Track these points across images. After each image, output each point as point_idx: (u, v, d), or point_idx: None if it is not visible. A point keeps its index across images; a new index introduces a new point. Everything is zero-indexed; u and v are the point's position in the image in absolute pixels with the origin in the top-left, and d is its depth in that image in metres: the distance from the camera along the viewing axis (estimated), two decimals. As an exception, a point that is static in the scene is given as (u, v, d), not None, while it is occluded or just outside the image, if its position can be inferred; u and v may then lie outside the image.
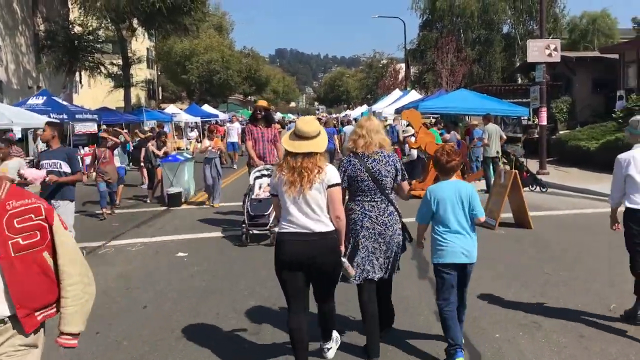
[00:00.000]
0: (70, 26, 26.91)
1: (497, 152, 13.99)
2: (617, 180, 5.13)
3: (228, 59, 49.24)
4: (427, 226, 4.61)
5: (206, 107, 43.39)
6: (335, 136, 19.62)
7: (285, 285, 4.13)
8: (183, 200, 13.01)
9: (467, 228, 4.36)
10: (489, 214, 9.83)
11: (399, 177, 4.60)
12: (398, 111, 22.76)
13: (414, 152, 15.23)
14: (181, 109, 41.19)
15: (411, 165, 15.89)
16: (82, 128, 21.99)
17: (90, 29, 27.84)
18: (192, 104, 43.74)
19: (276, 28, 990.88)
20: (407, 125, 15.59)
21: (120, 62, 36.02)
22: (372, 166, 4.46)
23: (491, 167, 13.93)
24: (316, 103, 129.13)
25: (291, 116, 52.77)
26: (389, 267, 4.60)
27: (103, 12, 28.87)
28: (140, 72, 50.19)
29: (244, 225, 8.84)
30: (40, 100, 21.44)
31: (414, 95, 26.72)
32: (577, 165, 17.17)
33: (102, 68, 29.39)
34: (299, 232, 3.97)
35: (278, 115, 53.48)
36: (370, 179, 4.44)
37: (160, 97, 59.09)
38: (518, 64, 36.84)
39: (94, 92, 42.33)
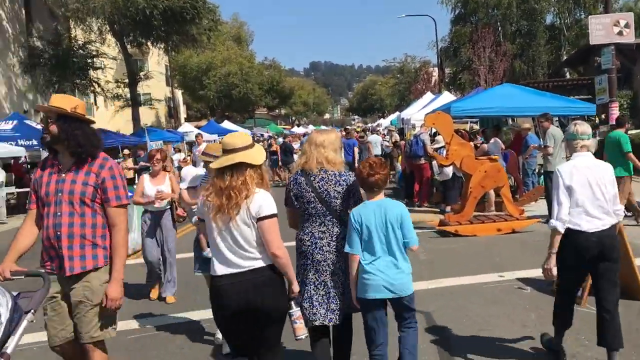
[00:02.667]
0: (59, 41, 23.98)
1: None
2: (561, 195, 4.19)
3: (247, 71, 46.12)
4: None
5: (226, 124, 40.31)
6: (355, 148, 17.85)
7: (226, 335, 3.59)
8: (129, 253, 9.60)
9: (396, 256, 3.83)
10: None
11: (352, 200, 3.97)
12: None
13: (448, 170, 11.50)
14: (198, 127, 38.24)
15: (445, 186, 12.13)
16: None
17: (80, 43, 24.89)
18: (210, 121, 40.79)
19: (310, 41, 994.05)
20: (436, 135, 11.93)
21: (125, 80, 33.48)
22: (319, 185, 3.93)
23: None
24: (350, 113, 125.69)
25: (310, 128, 48.16)
26: (342, 306, 3.94)
27: (91, 23, 26.10)
28: (159, 91, 47.72)
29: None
30: (9, 125, 18.60)
31: (447, 97, 22.83)
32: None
33: (96, 86, 26.31)
34: (228, 274, 3.31)
35: (310, 128, 49.92)
36: (317, 200, 3.93)
37: (186, 116, 56.57)
38: (565, 57, 32.60)
39: (112, 114, 39.87)
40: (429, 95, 29.01)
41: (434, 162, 11.93)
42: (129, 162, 16.97)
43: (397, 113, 46.68)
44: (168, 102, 50.32)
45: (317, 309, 3.91)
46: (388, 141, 27.26)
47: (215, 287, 3.37)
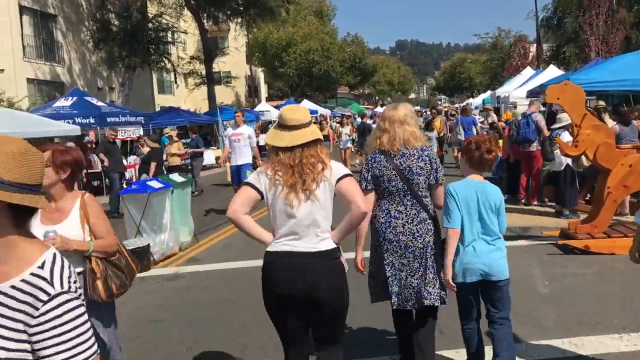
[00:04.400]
0: (129, 14, 22.68)
1: None
2: None
3: (328, 47, 43.85)
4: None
5: (305, 103, 38.34)
6: (475, 127, 17.18)
7: (278, 328, 3.24)
8: (158, 258, 7.75)
9: (494, 238, 3.64)
10: None
11: (434, 176, 3.75)
12: (534, 93, 16.15)
13: (563, 158, 8.80)
14: (276, 107, 36.62)
15: (553, 180, 9.49)
16: (120, 134, 17.73)
17: (150, 15, 23.53)
18: (288, 100, 39.10)
19: (396, 21, 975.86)
20: (560, 111, 9.30)
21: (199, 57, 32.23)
22: (400, 162, 3.74)
23: None
24: (437, 93, 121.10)
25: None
26: (425, 292, 3.69)
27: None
28: (239, 69, 46.50)
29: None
30: (68, 102, 17.39)
31: (553, 71, 19.62)
32: None
33: (167, 62, 24.95)
34: (294, 252, 3.04)
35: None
36: (398, 178, 3.72)
37: (267, 95, 55.31)
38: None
39: (193, 94, 39.00)
40: (528, 71, 25.86)
41: (556, 150, 9.12)
42: (174, 147, 14.89)
43: (489, 92, 43.30)
44: (248, 81, 49.14)
45: (393, 289, 3.75)
46: (483, 122, 24.53)
47: (274, 269, 3.09)
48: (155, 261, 7.65)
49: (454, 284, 3.63)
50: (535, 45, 32.89)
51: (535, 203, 10.35)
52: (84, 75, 27.74)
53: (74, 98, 17.47)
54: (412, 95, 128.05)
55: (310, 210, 3.01)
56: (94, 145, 17.81)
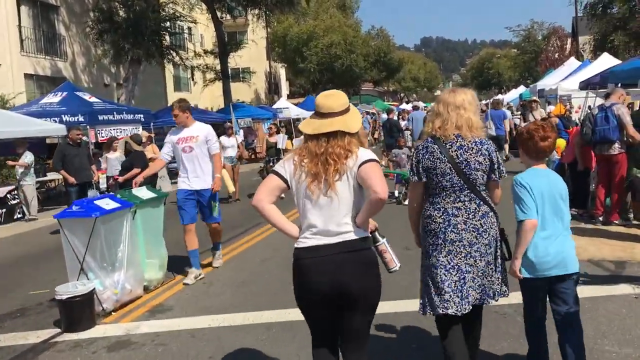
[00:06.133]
0: (132, 3, 20.67)
1: None
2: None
3: (352, 41, 41.45)
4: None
5: (327, 100, 36.14)
6: (506, 121, 16.55)
7: (310, 322, 3.15)
8: (110, 308, 5.66)
9: (566, 229, 3.49)
10: None
11: (495, 174, 3.44)
12: (592, 84, 13.84)
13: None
14: (296, 104, 34.48)
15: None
16: (110, 134, 15.82)
17: (156, 4, 21.48)
18: (308, 97, 36.86)
19: (421, 18, 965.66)
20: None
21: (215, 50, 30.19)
22: (457, 154, 3.39)
23: None
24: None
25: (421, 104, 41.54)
26: (486, 291, 3.45)
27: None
28: (259, 65, 44.40)
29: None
30: (56, 98, 15.54)
31: (607, 60, 17.08)
32: None
33: (174, 54, 22.91)
34: (322, 245, 2.95)
35: (420, 104, 44.29)
36: (454, 171, 3.38)
37: (288, 92, 53.17)
38: None
39: (211, 90, 37.04)
40: (573, 62, 23.40)
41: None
42: (148, 151, 11.76)
43: (523, 87, 40.57)
44: (268, 78, 46.99)
45: (450, 295, 3.38)
46: (518, 117, 22.18)
47: (302, 265, 2.99)
48: (106, 312, 5.51)
49: (521, 275, 3.45)
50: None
51: (617, 222, 7.98)
52: (88, 70, 25.89)
53: (64, 93, 15.60)
54: (438, 92, 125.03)
55: (332, 201, 2.94)
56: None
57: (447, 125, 3.41)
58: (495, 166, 3.41)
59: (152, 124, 17.77)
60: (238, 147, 13.49)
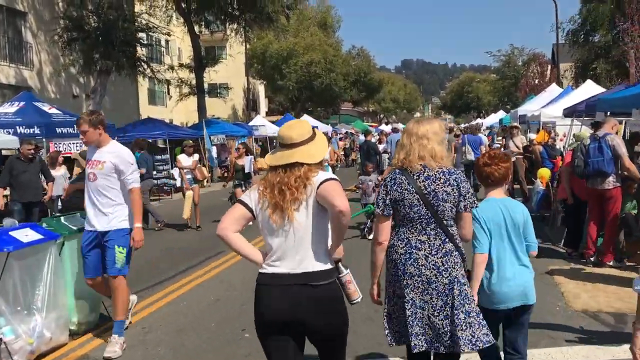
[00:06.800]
0: (102, 11, 19.78)
1: None
2: None
3: (332, 59, 40.97)
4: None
5: (306, 119, 35.45)
6: (482, 147, 15.54)
7: (267, 353, 3.05)
8: None
9: (523, 260, 3.56)
10: None
11: (463, 204, 3.33)
12: (577, 112, 13.30)
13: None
14: (274, 122, 33.75)
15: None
16: (69, 148, 14.84)
17: (128, 14, 20.62)
18: (286, 115, 36.20)
19: (401, 39, 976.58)
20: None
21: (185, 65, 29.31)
22: (424, 185, 3.33)
23: None
24: (442, 112, 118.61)
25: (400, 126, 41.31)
26: (452, 335, 3.23)
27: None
28: (237, 81, 43.60)
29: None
30: (12, 108, 14.53)
31: (591, 87, 16.61)
32: None
33: (145, 67, 22.01)
34: (284, 274, 2.94)
35: (400, 126, 43.79)
36: (422, 203, 3.32)
37: (267, 110, 52.45)
38: None
39: (186, 105, 36.08)
40: (554, 88, 23.02)
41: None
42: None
43: (502, 112, 40.37)
44: (247, 94, 46.21)
45: (413, 330, 3.27)
46: (499, 143, 21.72)
47: (260, 291, 2.98)
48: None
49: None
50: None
51: (611, 263, 7.29)
52: (55, 80, 24.83)
53: (21, 103, 14.58)
54: (418, 114, 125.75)
55: (294, 231, 2.93)
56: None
57: (410, 156, 3.37)
58: (465, 197, 3.31)
59: (115, 138, 16.77)
60: (194, 167, 12.25)
